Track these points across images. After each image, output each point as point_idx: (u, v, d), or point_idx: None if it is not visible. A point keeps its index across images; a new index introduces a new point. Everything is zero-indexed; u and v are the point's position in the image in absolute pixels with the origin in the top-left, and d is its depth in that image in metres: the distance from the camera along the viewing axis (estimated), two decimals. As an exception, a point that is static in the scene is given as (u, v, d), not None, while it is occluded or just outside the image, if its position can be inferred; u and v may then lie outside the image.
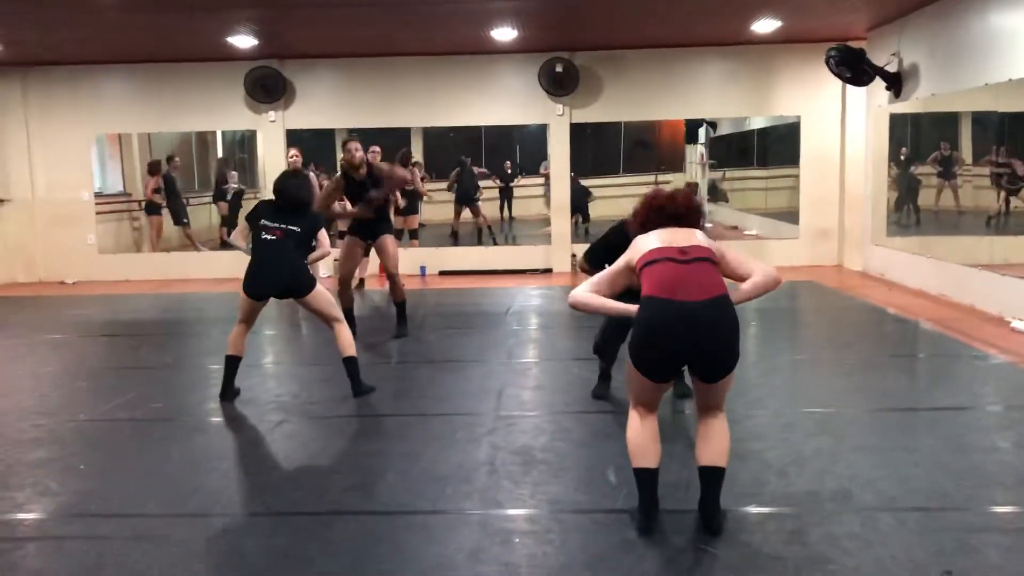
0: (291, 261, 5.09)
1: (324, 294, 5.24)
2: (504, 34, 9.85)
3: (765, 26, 9.68)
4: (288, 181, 5.27)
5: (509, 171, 17.19)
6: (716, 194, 17.71)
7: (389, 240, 7.10)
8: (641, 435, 3.29)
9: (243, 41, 9.84)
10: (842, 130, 10.99)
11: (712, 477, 3.27)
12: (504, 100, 11.26)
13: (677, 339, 3.09)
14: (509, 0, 8.60)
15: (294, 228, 5.11)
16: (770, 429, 4.51)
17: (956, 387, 5.50)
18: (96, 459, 4.29)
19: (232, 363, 5.29)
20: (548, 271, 11.41)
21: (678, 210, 3.39)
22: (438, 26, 9.50)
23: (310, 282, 5.13)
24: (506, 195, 17.10)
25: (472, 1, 8.50)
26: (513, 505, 3.60)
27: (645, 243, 3.29)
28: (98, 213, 11.80)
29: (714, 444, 3.28)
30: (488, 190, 16.55)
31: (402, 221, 11.28)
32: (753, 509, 3.49)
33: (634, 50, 10.94)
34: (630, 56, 11.00)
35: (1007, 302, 7.27)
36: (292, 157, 9.76)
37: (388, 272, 7.22)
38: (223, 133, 16.01)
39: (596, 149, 16.64)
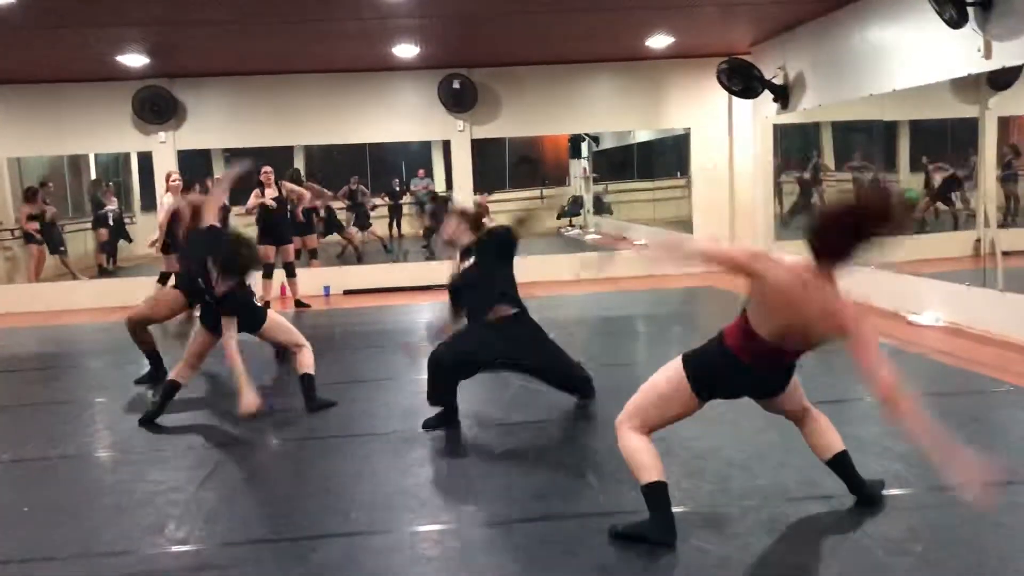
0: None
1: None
2: (406, 51, 9.85)
3: (659, 42, 10.05)
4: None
5: (397, 189, 17.15)
6: (600, 207, 18.18)
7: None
8: (651, 450, 3.24)
9: (133, 60, 9.46)
10: (730, 141, 11.51)
11: (844, 461, 3.48)
12: (404, 116, 11.24)
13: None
14: (409, 18, 8.62)
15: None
16: (719, 426, 4.67)
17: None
18: (40, 501, 4.03)
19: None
20: (454, 286, 11.40)
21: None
22: (338, 43, 9.41)
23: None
24: (395, 213, 17.06)
25: (373, 19, 8.46)
26: (494, 515, 3.61)
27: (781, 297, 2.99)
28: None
29: (828, 435, 3.51)
30: (378, 207, 16.51)
31: (300, 241, 11.08)
32: (729, 504, 3.62)
33: (531, 66, 11.13)
34: (527, 72, 11.19)
35: (900, 298, 7.78)
36: (173, 181, 9.25)
37: None
38: (96, 156, 15.31)
39: (482, 165, 16.85)
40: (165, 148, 10.84)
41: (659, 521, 3.21)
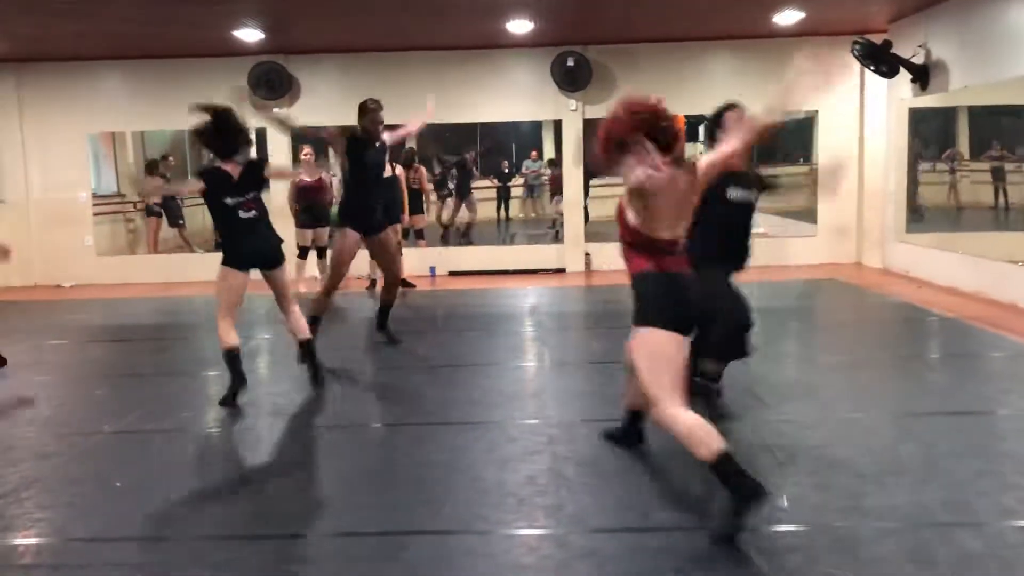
0: (272, 233, 5.15)
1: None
2: (520, 27, 9.57)
3: (787, 18, 9.44)
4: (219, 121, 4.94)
5: (506, 171, 16.91)
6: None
7: (388, 235, 6.58)
8: (701, 422, 3.07)
9: (249, 35, 9.49)
10: (860, 124, 10.78)
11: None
12: (515, 95, 10.97)
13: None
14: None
15: (257, 192, 5.03)
16: (850, 433, 4.25)
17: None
18: (131, 475, 3.96)
19: (234, 355, 4.99)
20: (561, 271, 11.13)
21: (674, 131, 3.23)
22: (451, 19, 9.20)
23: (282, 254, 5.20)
24: (503, 195, 16.83)
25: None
26: (596, 522, 3.32)
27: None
28: (101, 214, 11.44)
29: None
30: (485, 189, 16.34)
31: (408, 220, 10.97)
32: (863, 525, 3.22)
33: (648, 44, 10.68)
34: (644, 50, 10.74)
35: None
36: (305, 155, 9.52)
37: (389, 269, 6.58)
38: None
39: (587, 147, 16.41)
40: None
41: (742, 486, 2.98)
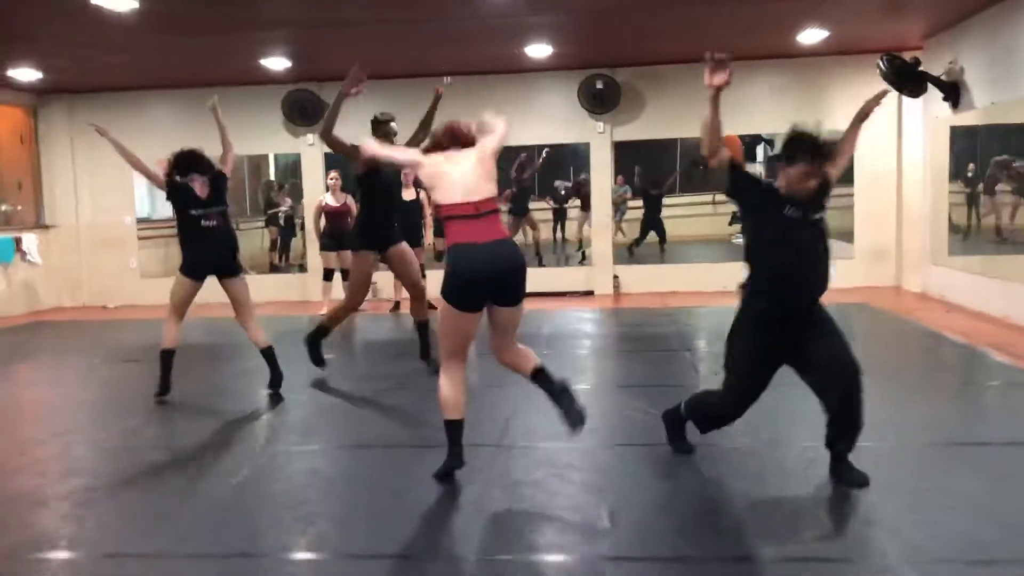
0: (233, 241, 5.78)
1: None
2: (539, 51, 9.61)
3: (811, 36, 9.24)
4: (188, 159, 5.78)
5: (563, 192, 16.89)
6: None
7: (406, 247, 6.31)
8: (457, 389, 3.82)
9: (277, 63, 9.79)
10: (898, 144, 10.45)
11: (544, 374, 4.00)
12: (544, 119, 11.00)
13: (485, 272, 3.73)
14: (544, 15, 8.36)
15: (224, 207, 5.70)
16: (795, 465, 4.10)
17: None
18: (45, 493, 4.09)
19: (169, 357, 5.69)
20: (589, 293, 11.07)
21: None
22: (473, 44, 9.32)
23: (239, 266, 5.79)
24: (559, 217, 16.82)
25: (506, 16, 8.26)
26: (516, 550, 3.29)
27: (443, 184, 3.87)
28: (145, 238, 11.91)
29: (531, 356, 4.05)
30: (541, 211, 16.31)
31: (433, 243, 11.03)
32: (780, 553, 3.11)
33: (676, 65, 10.58)
34: (672, 71, 10.64)
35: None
36: (332, 179, 9.72)
37: (412, 283, 6.31)
38: (276, 157, 16.13)
39: (650, 168, 16.22)
40: (313, 151, 11.18)
41: (451, 452, 3.90)
